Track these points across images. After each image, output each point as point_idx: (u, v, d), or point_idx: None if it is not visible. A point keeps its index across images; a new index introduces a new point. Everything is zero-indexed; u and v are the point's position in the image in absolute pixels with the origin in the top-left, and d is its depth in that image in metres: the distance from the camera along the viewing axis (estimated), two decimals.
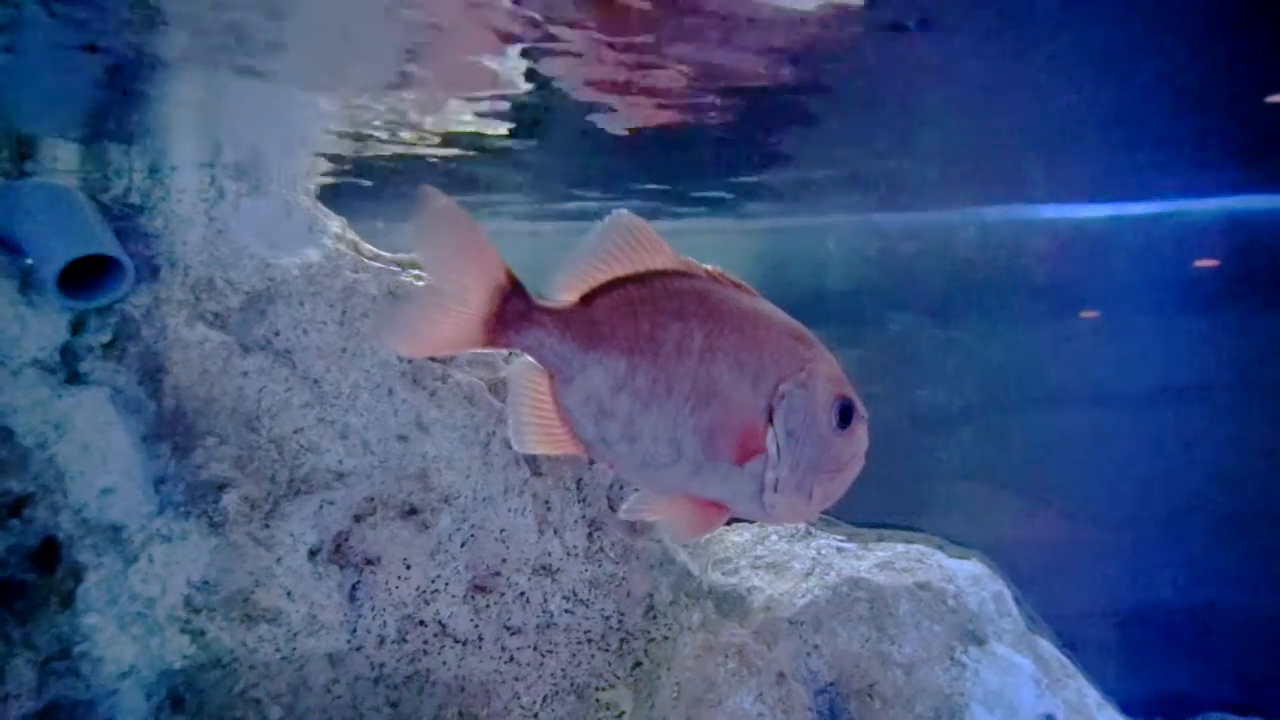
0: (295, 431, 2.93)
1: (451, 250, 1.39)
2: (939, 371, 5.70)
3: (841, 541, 3.38)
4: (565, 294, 1.45)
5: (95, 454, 2.68)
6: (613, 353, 1.41)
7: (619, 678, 3.13)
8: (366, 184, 4.63)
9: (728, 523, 3.59)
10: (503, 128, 3.38)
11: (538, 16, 2.25)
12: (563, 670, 3.09)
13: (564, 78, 2.78)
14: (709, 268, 1.47)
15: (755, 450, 1.42)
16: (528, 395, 1.45)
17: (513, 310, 1.41)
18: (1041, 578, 3.58)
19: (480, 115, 3.22)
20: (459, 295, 1.39)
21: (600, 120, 3.25)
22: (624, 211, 1.44)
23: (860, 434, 1.48)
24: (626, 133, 3.42)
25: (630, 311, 1.42)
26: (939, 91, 3.11)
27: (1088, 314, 5.63)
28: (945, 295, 5.82)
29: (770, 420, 1.42)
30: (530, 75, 2.75)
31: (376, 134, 3.56)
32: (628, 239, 1.44)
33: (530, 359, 1.44)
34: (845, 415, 1.45)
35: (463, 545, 3.04)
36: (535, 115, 3.23)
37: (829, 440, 1.44)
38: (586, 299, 1.44)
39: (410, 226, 1.37)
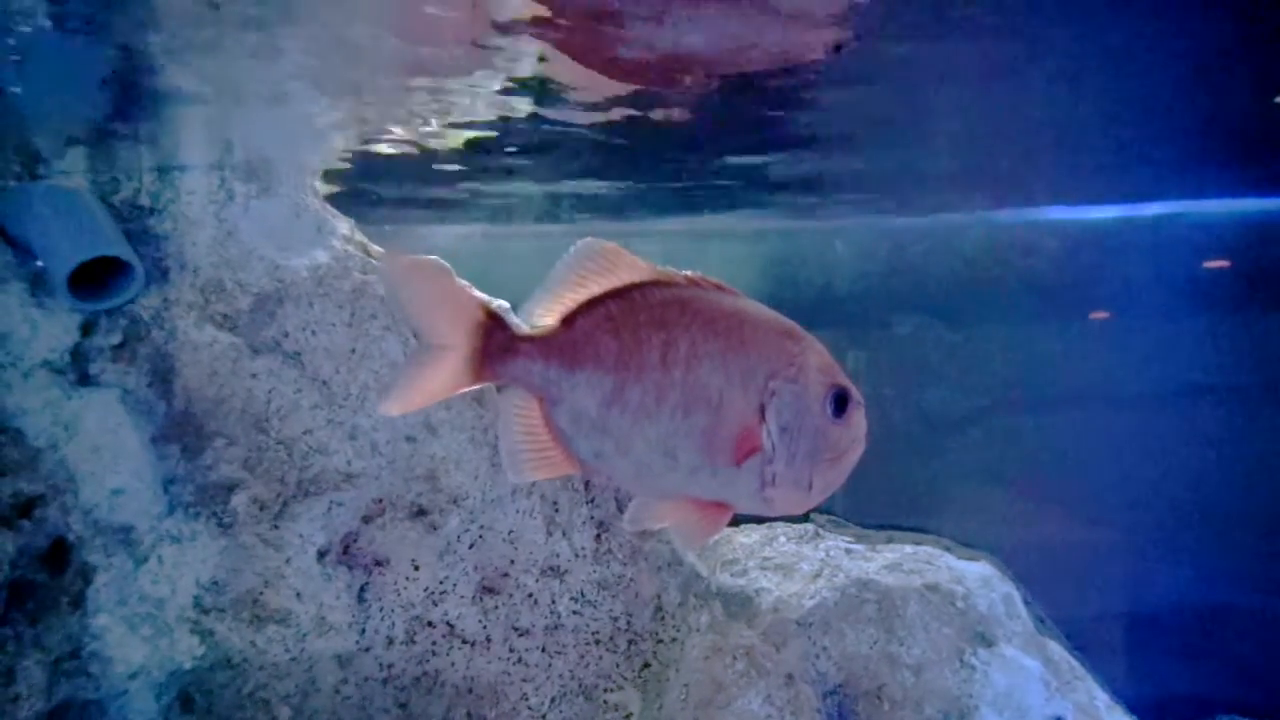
0: (304, 433, 2.93)
1: (424, 301, 1.42)
2: (947, 373, 5.69)
3: (850, 543, 3.38)
4: (544, 319, 1.46)
5: (105, 455, 2.69)
6: (598, 370, 1.42)
7: (627, 679, 3.13)
8: (374, 185, 4.64)
9: (735, 523, 3.59)
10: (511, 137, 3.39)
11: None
12: (571, 671, 3.09)
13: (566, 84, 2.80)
14: (688, 274, 1.48)
15: (752, 449, 1.42)
16: (518, 422, 1.47)
17: (495, 344, 1.43)
18: (1050, 579, 3.57)
19: (485, 119, 3.23)
20: (441, 341, 1.42)
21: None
22: (589, 238, 1.45)
23: (857, 420, 1.48)
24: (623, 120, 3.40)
25: (612, 327, 1.43)
26: (945, 94, 3.11)
27: (1097, 315, 5.61)
28: (954, 297, 5.81)
29: (764, 417, 1.42)
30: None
31: (384, 135, 3.57)
32: (598, 262, 1.45)
33: (518, 387, 1.45)
34: (840, 403, 1.45)
35: (471, 546, 3.04)
36: (542, 122, 3.24)
37: (825, 430, 1.45)
38: (567, 321, 1.45)
39: (384, 291, 1.39)
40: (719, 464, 1.43)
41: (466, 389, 1.45)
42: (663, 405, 1.41)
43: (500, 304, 3.22)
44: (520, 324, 1.48)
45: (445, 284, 1.43)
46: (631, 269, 1.45)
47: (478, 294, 1.25)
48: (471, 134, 3.49)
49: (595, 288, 1.45)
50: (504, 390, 1.47)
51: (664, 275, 1.46)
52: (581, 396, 1.43)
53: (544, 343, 1.44)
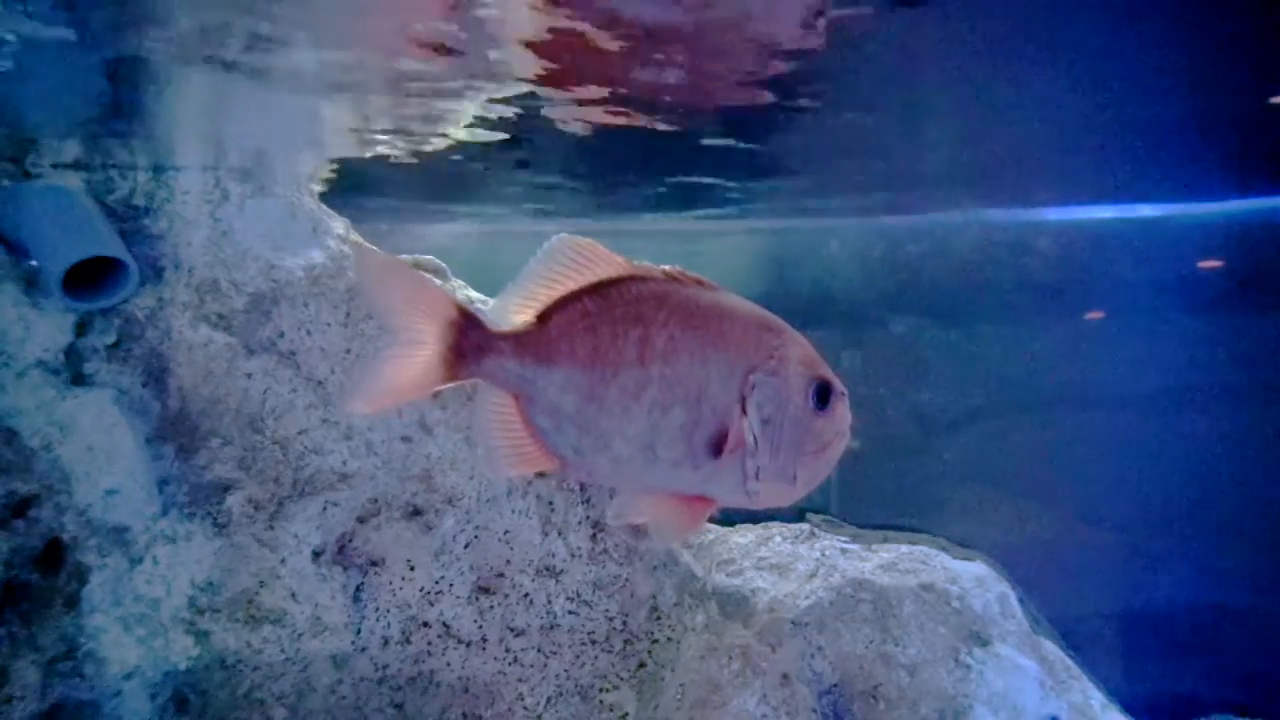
0: (299, 433, 2.93)
1: (396, 299, 1.42)
2: (943, 373, 5.69)
3: (845, 543, 3.38)
4: (519, 316, 1.45)
5: (100, 455, 2.69)
6: (575, 367, 1.41)
7: (623, 679, 3.13)
8: (368, 184, 4.64)
9: (730, 523, 3.59)
10: (499, 134, 3.39)
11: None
12: (566, 671, 3.09)
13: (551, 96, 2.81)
14: (666, 268, 1.47)
15: (734, 443, 1.42)
16: (495, 419, 1.46)
17: (469, 342, 1.42)
18: (1045, 579, 3.58)
19: (479, 119, 3.23)
20: (413, 340, 1.41)
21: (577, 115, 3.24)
22: (564, 234, 1.44)
23: (841, 412, 1.47)
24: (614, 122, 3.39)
25: (588, 324, 1.42)
26: (939, 94, 3.11)
27: (1092, 315, 5.62)
28: (949, 297, 5.82)
29: (745, 411, 1.42)
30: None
31: (380, 135, 3.56)
32: (573, 258, 1.44)
33: (493, 385, 1.44)
34: (822, 395, 1.44)
35: (466, 546, 3.04)
36: (529, 119, 3.24)
37: (807, 422, 1.44)
38: (543, 317, 1.44)
39: (355, 284, 1.37)
40: (700, 459, 1.42)
41: (439, 388, 1.45)
42: (641, 401, 1.40)
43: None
44: (495, 321, 1.47)
45: (418, 281, 1.42)
46: (607, 264, 1.44)
47: (450, 291, 1.24)
48: (464, 137, 3.49)
49: (571, 284, 1.44)
50: (481, 388, 1.47)
51: (641, 270, 1.45)
52: (558, 393, 1.42)
53: (519, 340, 1.43)
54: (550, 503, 3.13)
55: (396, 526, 2.98)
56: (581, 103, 2.98)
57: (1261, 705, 4.30)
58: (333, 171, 4.15)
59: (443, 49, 2.40)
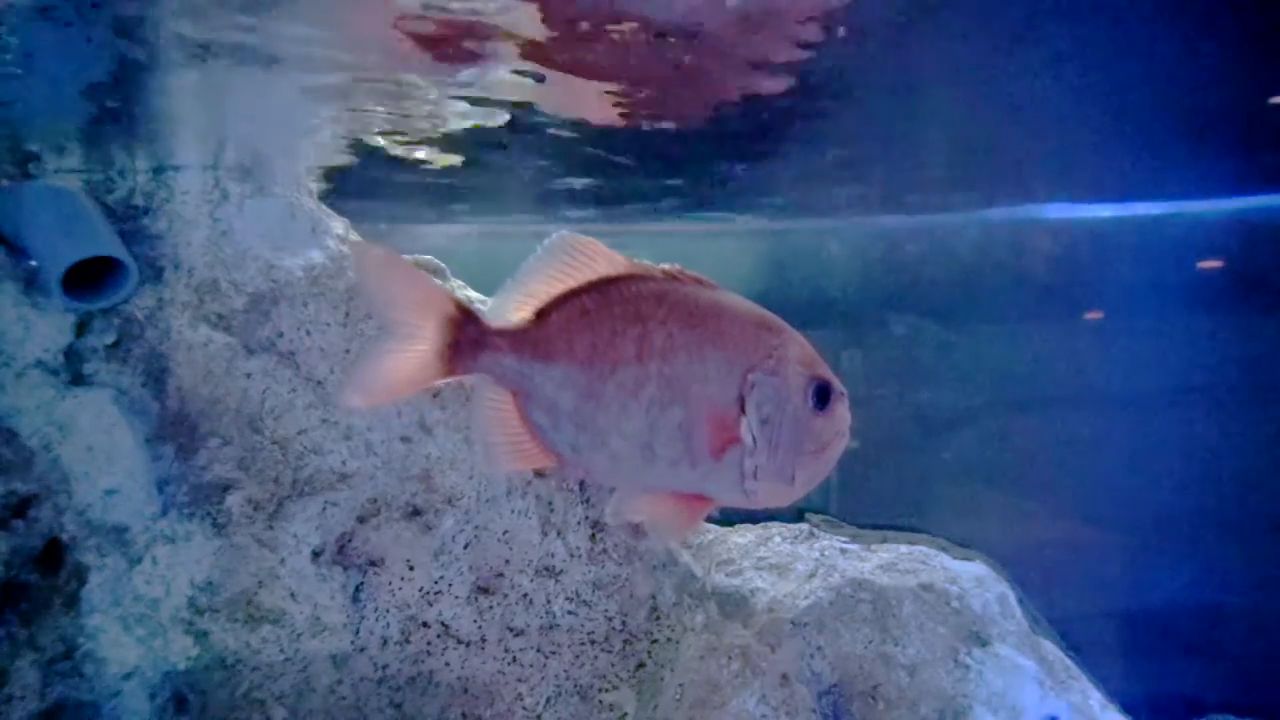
0: (299, 433, 2.93)
1: (393, 294, 1.41)
2: (943, 373, 5.69)
3: (845, 543, 3.38)
4: (518, 314, 1.45)
5: (99, 455, 2.69)
6: (573, 364, 1.41)
7: (622, 679, 3.13)
8: (368, 185, 4.63)
9: (729, 524, 3.59)
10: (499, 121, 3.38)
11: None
12: (566, 671, 3.09)
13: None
14: (665, 267, 1.47)
15: (731, 442, 1.41)
16: (493, 415, 1.45)
17: (467, 338, 1.41)
18: (1045, 579, 3.58)
19: (475, 114, 3.23)
20: (410, 334, 1.40)
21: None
22: (564, 232, 1.44)
23: (840, 412, 1.47)
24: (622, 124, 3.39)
25: (586, 321, 1.42)
26: (939, 93, 3.11)
27: (1092, 315, 5.62)
28: (949, 297, 5.82)
29: (743, 410, 1.42)
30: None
31: (378, 135, 3.56)
32: (573, 256, 1.44)
33: (491, 381, 1.44)
34: (822, 395, 1.44)
35: (466, 546, 3.04)
36: (527, 117, 3.24)
37: (807, 422, 1.43)
38: (541, 314, 1.44)
39: (354, 281, 1.36)
40: (698, 457, 1.42)
41: (437, 383, 1.44)
42: (639, 399, 1.40)
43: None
44: (493, 318, 1.46)
45: (416, 277, 1.42)
46: (607, 262, 1.44)
47: (447, 288, 1.23)
48: (466, 127, 3.48)
49: (570, 281, 1.43)
50: (478, 384, 1.46)
51: (640, 269, 1.45)
52: (556, 390, 1.42)
53: (516, 336, 1.42)
54: (549, 503, 3.13)
55: (396, 526, 2.98)
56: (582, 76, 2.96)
57: (1261, 705, 4.30)
58: (331, 168, 4.15)
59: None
